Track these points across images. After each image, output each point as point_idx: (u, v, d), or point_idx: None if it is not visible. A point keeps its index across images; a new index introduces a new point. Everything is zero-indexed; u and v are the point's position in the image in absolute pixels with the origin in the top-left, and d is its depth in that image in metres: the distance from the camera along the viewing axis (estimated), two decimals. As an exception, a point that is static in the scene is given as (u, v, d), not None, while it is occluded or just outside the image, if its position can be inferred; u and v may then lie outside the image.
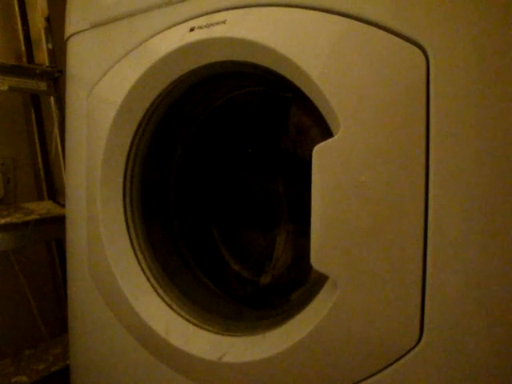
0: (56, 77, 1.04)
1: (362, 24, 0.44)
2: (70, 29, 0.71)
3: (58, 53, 1.04)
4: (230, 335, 0.57)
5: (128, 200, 0.66)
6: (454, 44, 0.40)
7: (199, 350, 0.56)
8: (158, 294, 0.63)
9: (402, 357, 0.43)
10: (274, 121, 0.74)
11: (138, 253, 0.66)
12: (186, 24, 0.56)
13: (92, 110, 0.66)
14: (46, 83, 1.02)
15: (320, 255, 0.46)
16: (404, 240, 0.42)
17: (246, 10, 0.52)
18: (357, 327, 0.45)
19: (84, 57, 0.69)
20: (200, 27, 0.55)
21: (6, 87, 0.93)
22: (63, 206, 1.00)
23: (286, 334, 0.50)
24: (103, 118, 0.63)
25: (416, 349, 0.43)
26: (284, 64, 0.48)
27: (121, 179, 0.65)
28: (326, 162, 0.45)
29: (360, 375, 0.46)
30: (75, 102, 0.70)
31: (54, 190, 1.12)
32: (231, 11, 0.53)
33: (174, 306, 0.62)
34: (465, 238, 0.41)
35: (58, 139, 1.07)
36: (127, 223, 0.66)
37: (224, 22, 0.53)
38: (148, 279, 0.64)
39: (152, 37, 0.60)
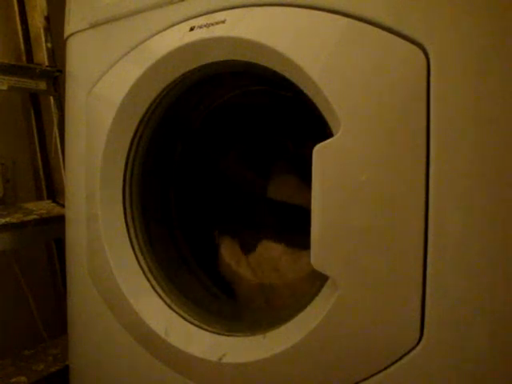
0: (55, 76, 1.04)
1: (362, 23, 0.44)
2: (69, 28, 0.71)
3: (58, 52, 1.04)
4: (230, 335, 0.57)
5: (128, 200, 0.66)
6: (454, 43, 0.40)
7: (199, 350, 0.56)
8: (158, 295, 0.63)
9: (402, 357, 0.43)
10: (274, 120, 0.74)
11: (138, 253, 0.66)
12: (185, 23, 0.56)
13: (92, 110, 0.66)
14: (45, 83, 1.02)
15: (320, 255, 0.46)
16: (404, 240, 0.42)
17: (246, 9, 0.52)
18: (357, 327, 0.45)
19: (84, 56, 0.69)
20: (200, 27, 0.55)
21: (5, 87, 0.93)
22: (63, 205, 1.00)
23: (286, 334, 0.50)
24: (103, 117, 0.63)
25: (416, 349, 0.43)
26: (284, 63, 0.48)
27: (121, 179, 0.65)
28: (326, 161, 0.45)
29: (360, 375, 0.46)
30: (75, 102, 0.70)
31: (53, 189, 1.12)
32: (231, 11, 0.53)
33: (174, 307, 0.62)
34: (465, 237, 0.41)
35: (58, 139, 1.06)
36: (127, 223, 0.66)
37: (224, 21, 0.53)
38: (148, 279, 0.64)
39: (152, 36, 0.60)
